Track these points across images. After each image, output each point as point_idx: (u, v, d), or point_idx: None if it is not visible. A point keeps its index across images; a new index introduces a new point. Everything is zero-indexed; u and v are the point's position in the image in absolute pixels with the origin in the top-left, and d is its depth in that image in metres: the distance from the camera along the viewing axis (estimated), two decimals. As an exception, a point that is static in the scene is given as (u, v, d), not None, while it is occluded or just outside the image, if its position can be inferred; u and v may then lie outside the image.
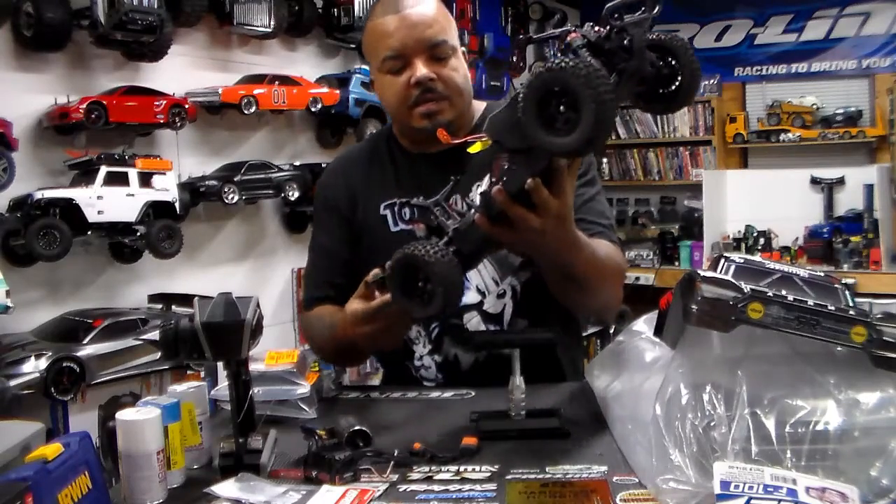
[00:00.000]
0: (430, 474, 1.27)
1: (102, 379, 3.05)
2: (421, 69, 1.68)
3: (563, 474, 1.24)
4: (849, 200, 5.70)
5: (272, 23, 3.96)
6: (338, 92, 4.19)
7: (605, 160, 6.56)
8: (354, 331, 1.56)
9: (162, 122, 3.46)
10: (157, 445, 1.25)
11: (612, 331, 5.67)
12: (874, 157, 5.76)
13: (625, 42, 1.20)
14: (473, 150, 1.31)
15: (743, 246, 5.83)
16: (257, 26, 3.92)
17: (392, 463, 1.29)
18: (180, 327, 1.32)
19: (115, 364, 3.08)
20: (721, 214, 6.02)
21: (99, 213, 3.19)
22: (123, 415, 1.27)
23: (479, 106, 1.87)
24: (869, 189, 5.48)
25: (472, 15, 5.43)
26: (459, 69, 1.75)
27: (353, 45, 4.43)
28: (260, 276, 4.20)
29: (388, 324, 1.51)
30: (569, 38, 1.19)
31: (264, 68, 4.07)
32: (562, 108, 1.12)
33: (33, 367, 2.86)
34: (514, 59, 5.98)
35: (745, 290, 1.13)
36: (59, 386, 2.90)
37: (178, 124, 3.52)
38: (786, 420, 1.08)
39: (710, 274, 1.15)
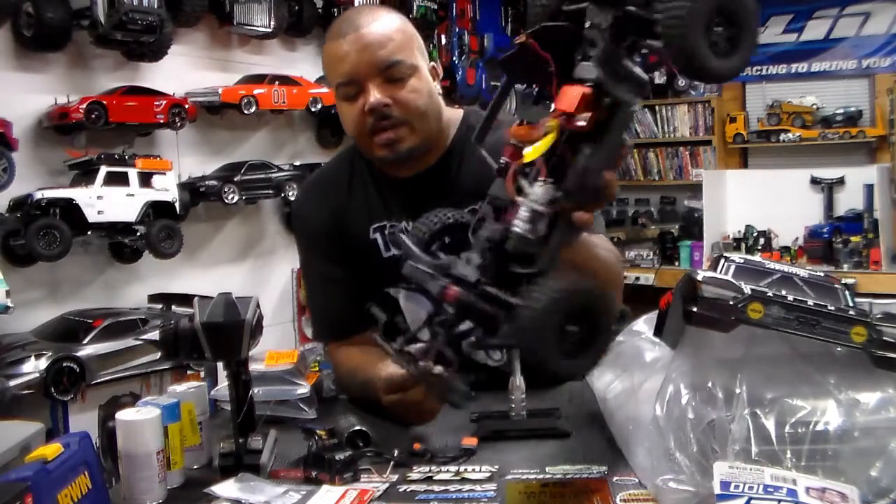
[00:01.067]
0: (430, 474, 1.27)
1: (102, 379, 3.05)
2: (374, 95, 1.56)
3: (563, 474, 1.24)
4: (849, 200, 5.69)
5: (272, 23, 3.97)
6: (338, 92, 4.19)
7: (604, 160, 6.56)
8: (386, 398, 1.45)
9: (162, 122, 3.46)
10: (156, 445, 1.25)
11: (612, 331, 5.67)
12: (874, 157, 5.76)
13: None
14: (531, 156, 1.03)
15: (743, 246, 5.82)
16: (257, 26, 3.93)
17: (392, 463, 1.29)
18: (180, 327, 1.32)
19: (115, 364, 3.09)
20: (721, 214, 6.01)
21: (99, 213, 3.19)
22: (123, 415, 1.27)
23: (455, 115, 1.75)
24: (869, 189, 5.48)
25: (472, 15, 5.43)
26: (421, 89, 1.60)
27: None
28: (260, 276, 4.21)
29: (425, 395, 1.38)
30: None
31: (264, 68, 4.07)
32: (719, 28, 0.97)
33: (33, 367, 2.86)
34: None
35: (745, 291, 1.12)
36: (59, 386, 2.90)
37: (178, 124, 3.53)
38: (786, 420, 1.08)
39: (710, 274, 1.15)
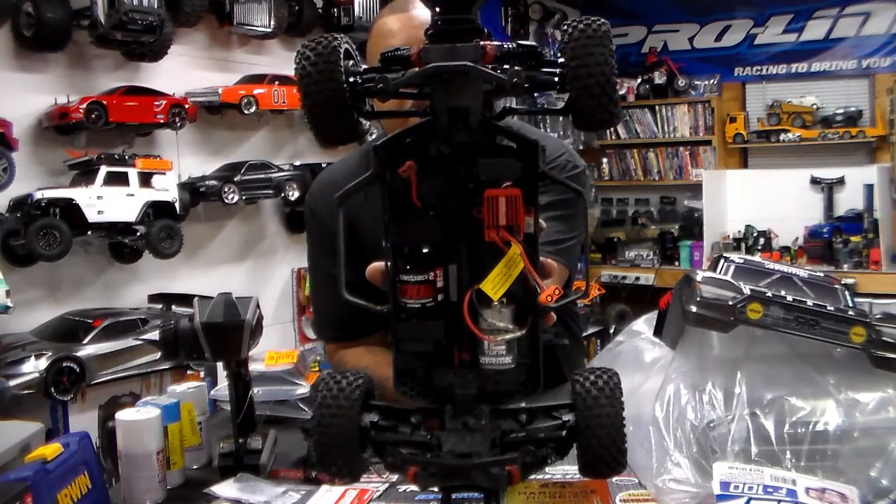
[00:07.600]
0: (429, 474, 1.26)
1: (102, 379, 3.05)
2: None
3: (563, 474, 1.24)
4: (849, 200, 5.70)
5: (272, 23, 3.97)
6: (338, 92, 4.19)
7: (604, 160, 6.57)
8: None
9: (162, 122, 3.46)
10: (156, 445, 1.25)
11: (612, 331, 5.68)
12: (874, 157, 5.76)
13: None
14: (496, 293, 0.83)
15: (743, 246, 5.83)
16: (257, 26, 3.93)
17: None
18: (180, 327, 1.33)
19: (115, 364, 3.08)
20: (721, 214, 6.02)
21: (99, 213, 3.19)
22: (123, 415, 1.27)
23: None
24: (869, 189, 5.48)
25: (471, 15, 5.42)
26: None
27: (353, 46, 4.45)
28: (260, 276, 4.20)
29: None
30: None
31: (264, 68, 4.07)
32: None
33: (33, 367, 2.86)
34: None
35: (745, 291, 1.12)
36: (59, 386, 2.90)
37: (178, 124, 3.53)
38: (785, 420, 1.08)
39: (709, 274, 1.15)
